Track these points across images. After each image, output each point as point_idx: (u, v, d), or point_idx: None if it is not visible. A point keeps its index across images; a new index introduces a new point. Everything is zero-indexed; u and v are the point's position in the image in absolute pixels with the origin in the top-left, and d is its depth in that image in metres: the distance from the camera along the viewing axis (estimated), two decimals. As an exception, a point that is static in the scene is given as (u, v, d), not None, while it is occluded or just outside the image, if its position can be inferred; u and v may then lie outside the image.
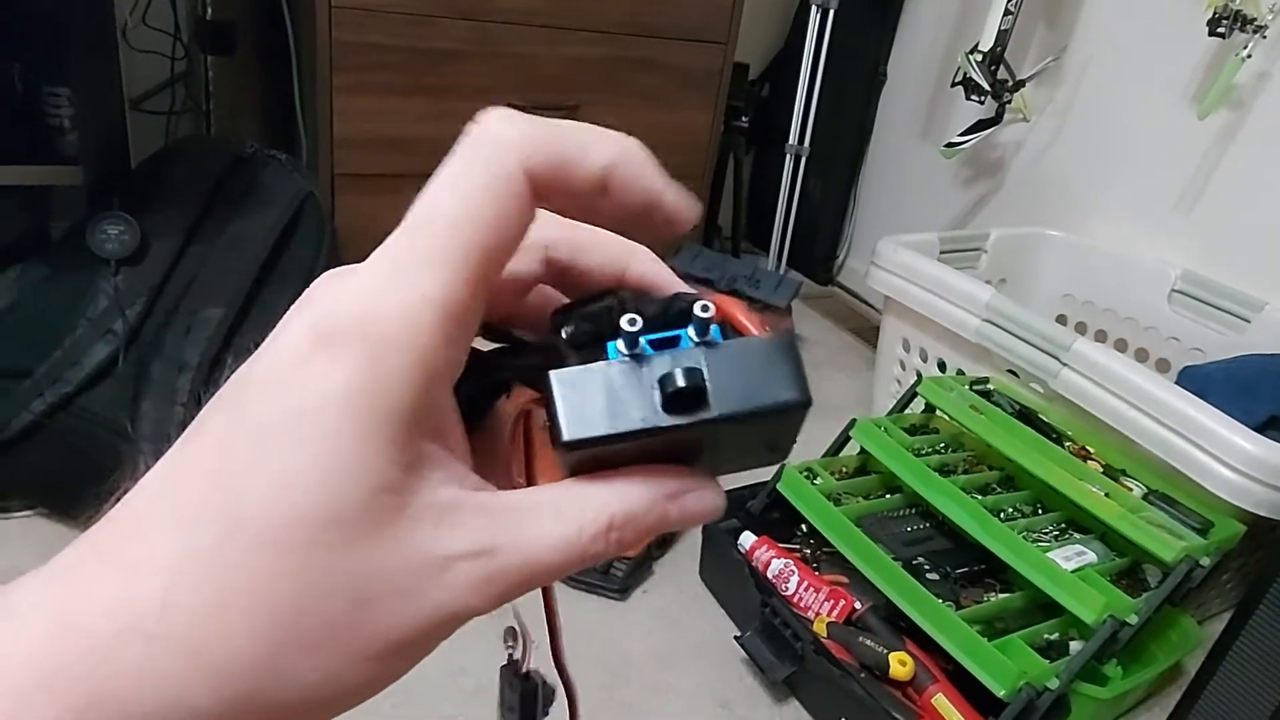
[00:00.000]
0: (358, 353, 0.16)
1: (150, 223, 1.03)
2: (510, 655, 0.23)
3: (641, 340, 0.19)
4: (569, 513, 0.18)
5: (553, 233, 0.20)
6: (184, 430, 0.18)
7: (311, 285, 0.18)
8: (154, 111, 1.54)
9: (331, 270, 0.18)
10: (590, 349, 0.19)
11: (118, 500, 0.17)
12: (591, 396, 0.18)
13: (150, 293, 1.02)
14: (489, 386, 0.20)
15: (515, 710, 0.21)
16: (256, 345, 0.18)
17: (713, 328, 0.19)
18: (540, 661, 0.24)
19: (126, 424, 0.97)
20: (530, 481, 0.21)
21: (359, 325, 0.16)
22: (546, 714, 0.22)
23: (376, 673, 0.17)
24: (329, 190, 1.30)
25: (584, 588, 1.05)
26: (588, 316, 0.19)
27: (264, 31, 1.39)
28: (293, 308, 0.18)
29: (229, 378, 0.18)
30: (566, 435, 0.18)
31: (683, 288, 0.21)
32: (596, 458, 0.18)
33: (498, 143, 0.18)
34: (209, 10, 1.45)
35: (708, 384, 0.18)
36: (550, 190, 0.18)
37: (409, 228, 0.17)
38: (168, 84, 1.54)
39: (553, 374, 0.18)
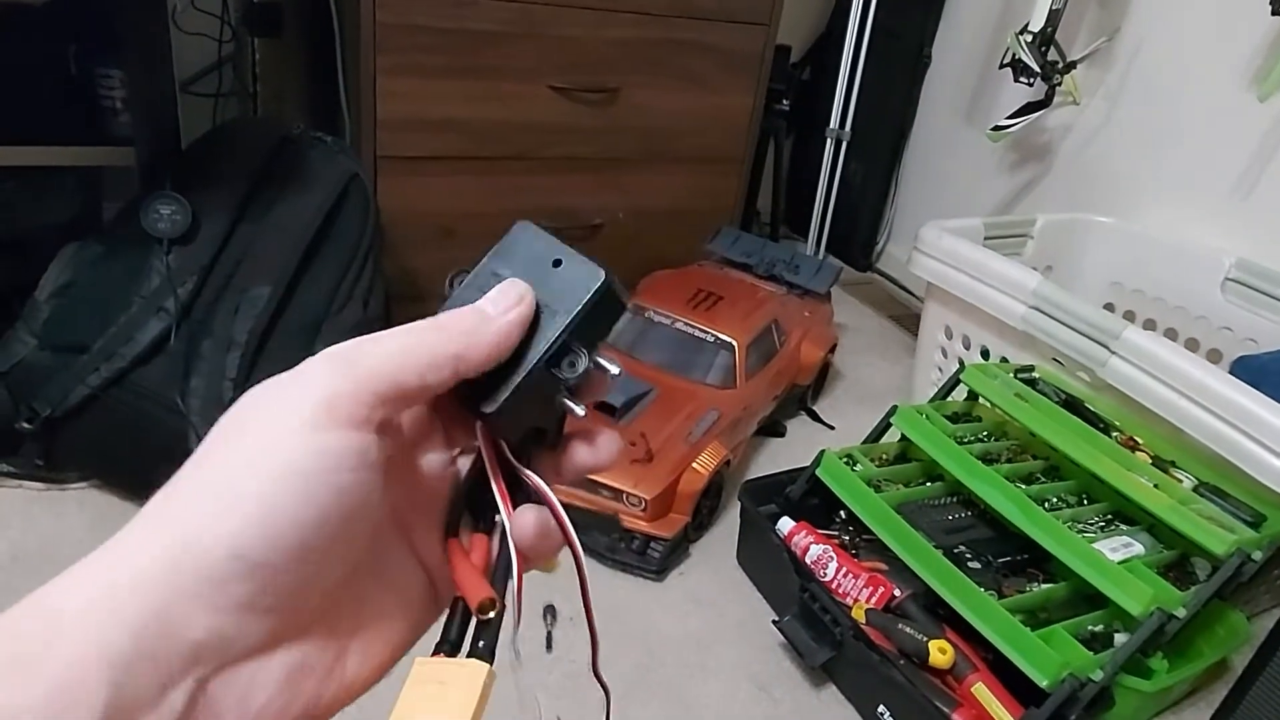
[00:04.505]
0: (334, 361, 0.25)
1: (200, 203, 1.05)
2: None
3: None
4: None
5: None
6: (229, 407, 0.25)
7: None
8: (202, 94, 1.57)
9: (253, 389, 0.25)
10: None
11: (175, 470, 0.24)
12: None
13: (201, 271, 1.04)
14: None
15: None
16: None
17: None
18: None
19: (177, 399, 0.99)
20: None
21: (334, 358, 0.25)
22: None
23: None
24: (372, 172, 1.31)
25: (620, 567, 1.06)
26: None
27: (309, 13, 1.39)
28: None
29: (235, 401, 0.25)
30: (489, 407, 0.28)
31: None
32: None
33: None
34: (256, -8, 1.47)
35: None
36: None
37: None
38: (215, 66, 1.56)
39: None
